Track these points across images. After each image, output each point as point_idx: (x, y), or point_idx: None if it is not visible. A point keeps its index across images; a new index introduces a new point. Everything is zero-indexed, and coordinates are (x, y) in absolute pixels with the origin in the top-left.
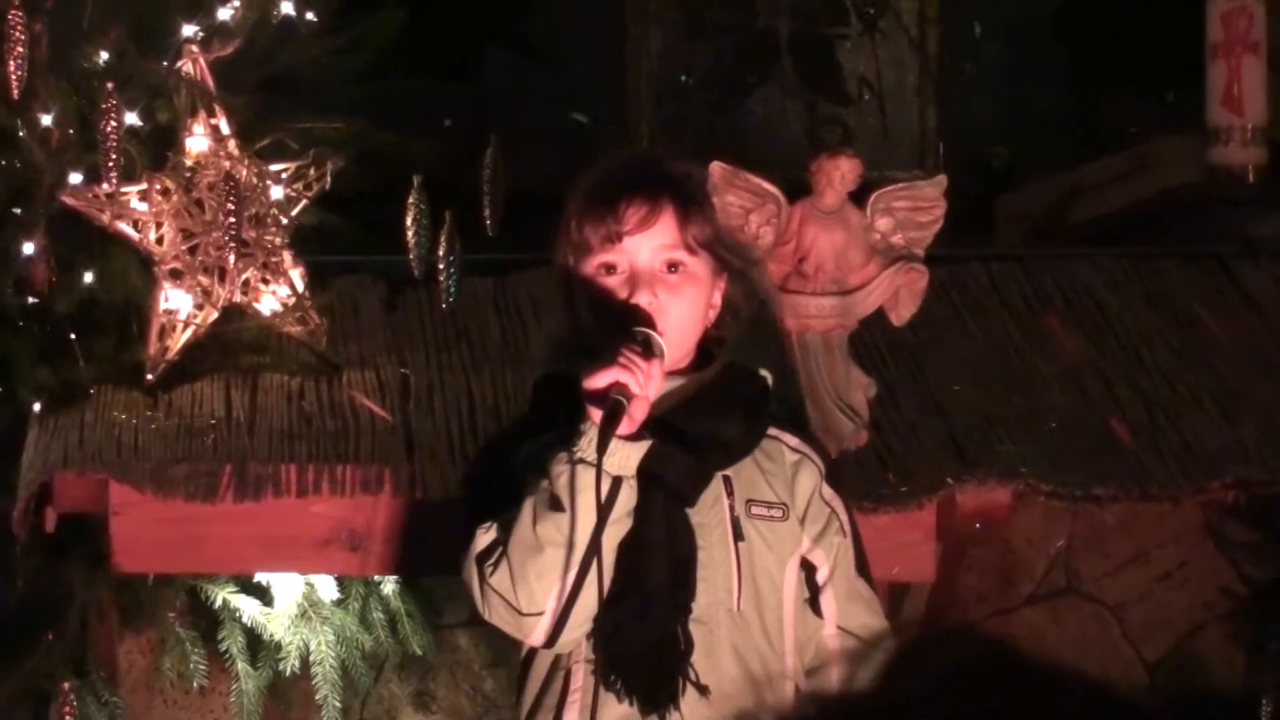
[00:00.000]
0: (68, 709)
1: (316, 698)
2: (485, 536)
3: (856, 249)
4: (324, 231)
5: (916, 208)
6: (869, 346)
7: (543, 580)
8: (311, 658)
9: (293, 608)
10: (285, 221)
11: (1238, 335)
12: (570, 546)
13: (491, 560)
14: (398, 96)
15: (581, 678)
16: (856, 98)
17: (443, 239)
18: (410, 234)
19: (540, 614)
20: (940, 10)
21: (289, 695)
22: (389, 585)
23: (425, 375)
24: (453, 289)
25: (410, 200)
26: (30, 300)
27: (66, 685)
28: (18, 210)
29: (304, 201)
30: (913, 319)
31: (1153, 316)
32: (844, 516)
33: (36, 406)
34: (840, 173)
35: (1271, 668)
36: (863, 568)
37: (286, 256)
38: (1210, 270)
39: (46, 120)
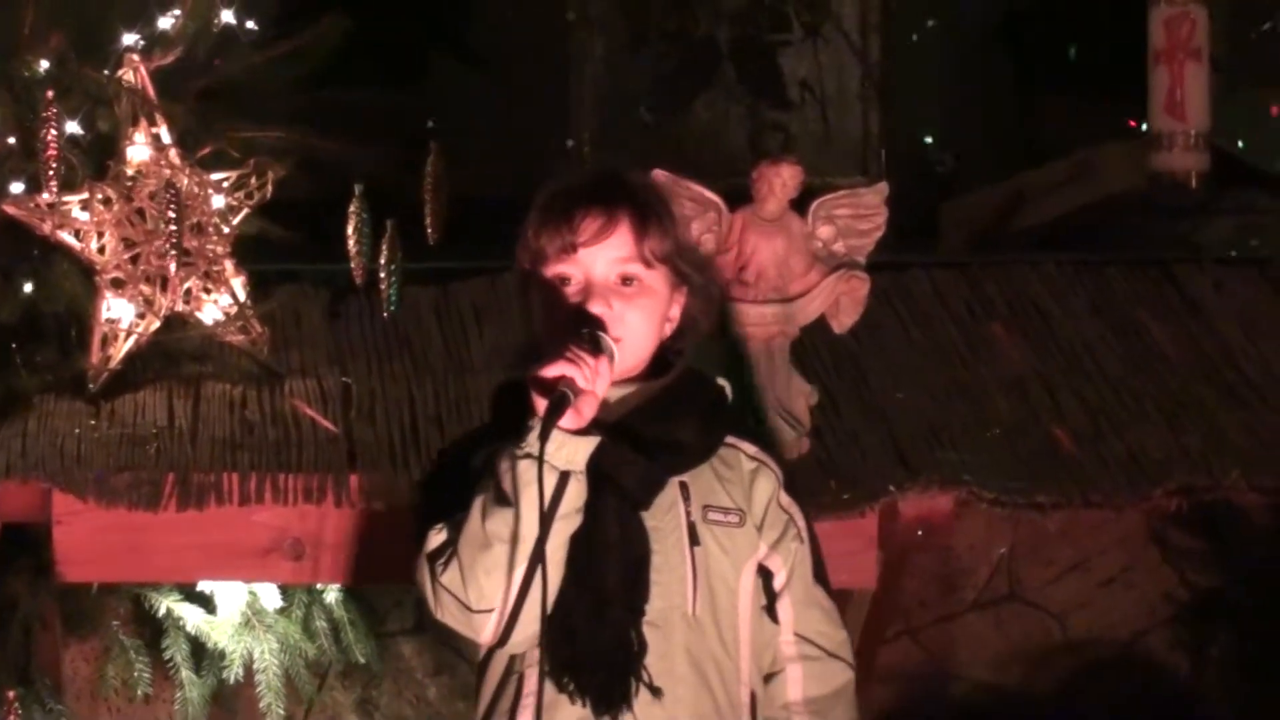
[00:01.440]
0: (12, 717)
1: (260, 705)
2: (437, 537)
3: (798, 256)
4: (266, 240)
5: (858, 215)
6: (811, 354)
7: (492, 576)
8: (255, 665)
9: (236, 616)
10: (227, 230)
11: (1181, 341)
12: (517, 540)
13: (443, 559)
14: (339, 105)
15: (535, 680)
16: (799, 103)
17: (384, 247)
18: (352, 242)
19: (490, 610)
20: (882, 17)
21: (233, 703)
22: (332, 594)
23: (367, 384)
24: (394, 297)
25: (351, 209)
26: None
27: (11, 694)
28: None
29: (245, 210)
30: (855, 326)
31: (1096, 323)
32: (801, 524)
33: None
34: (781, 180)
35: (1215, 674)
36: (820, 575)
37: (228, 265)
38: (1153, 276)
39: None
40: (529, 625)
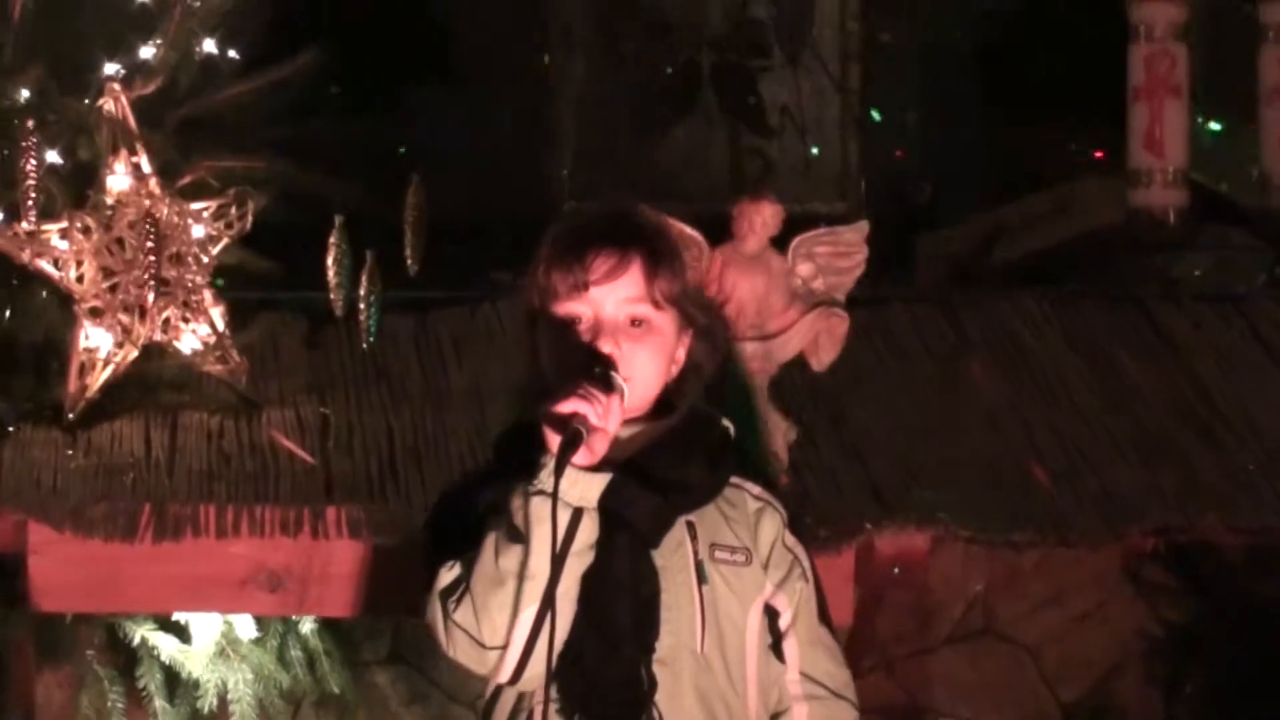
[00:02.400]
0: None
1: None
2: (449, 574)
3: (777, 294)
4: (245, 270)
5: (838, 253)
6: (789, 391)
7: (505, 612)
8: (229, 695)
9: (211, 646)
10: (206, 260)
11: (1157, 379)
12: (531, 578)
13: (455, 596)
14: (320, 135)
15: (544, 717)
16: (779, 130)
17: (364, 278)
18: (331, 273)
19: (504, 647)
20: (861, 46)
21: None
22: (307, 624)
23: (345, 414)
24: (373, 327)
25: (331, 239)
26: None
27: None
28: None
29: (225, 240)
30: (833, 363)
31: (1073, 359)
32: (806, 564)
33: None
34: (762, 218)
35: (1187, 710)
36: (824, 615)
37: (207, 295)
38: (1131, 312)
39: None
40: (541, 662)
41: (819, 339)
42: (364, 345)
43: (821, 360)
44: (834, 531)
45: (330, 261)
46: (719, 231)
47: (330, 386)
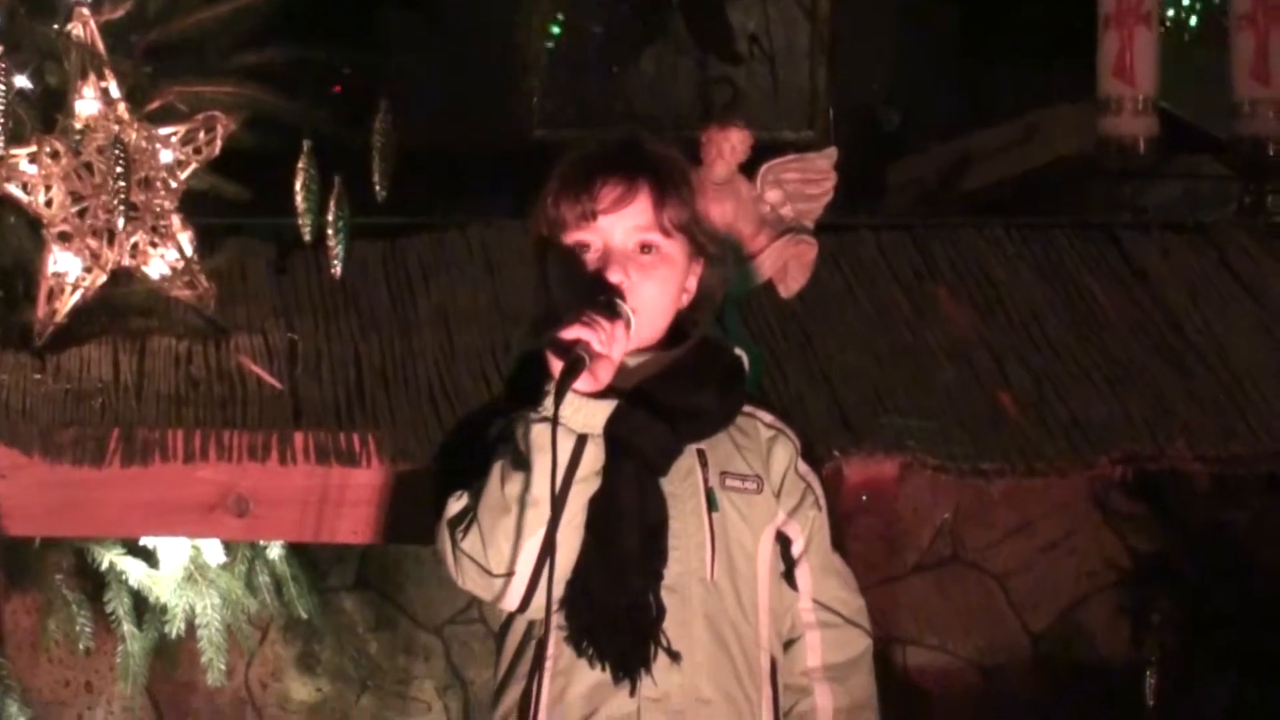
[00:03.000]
0: None
1: (202, 660)
2: (457, 504)
3: (745, 220)
4: (214, 195)
5: (806, 180)
6: (757, 318)
7: (510, 540)
8: (197, 620)
9: (179, 571)
10: (175, 185)
11: (1127, 308)
12: (535, 504)
13: (463, 525)
14: (288, 60)
15: (553, 645)
16: (747, 57)
17: (332, 203)
18: (299, 198)
19: (511, 575)
20: None
21: (174, 656)
22: (275, 549)
23: (313, 340)
24: (341, 253)
25: (300, 164)
26: None
27: None
28: None
29: (194, 165)
30: (802, 290)
31: (1043, 288)
32: (819, 491)
33: None
34: (730, 144)
35: (1155, 639)
36: (838, 542)
37: (175, 220)
38: (1100, 241)
39: None
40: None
41: (788, 266)
42: (332, 271)
43: (790, 287)
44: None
45: (298, 187)
46: (687, 159)
47: (298, 312)
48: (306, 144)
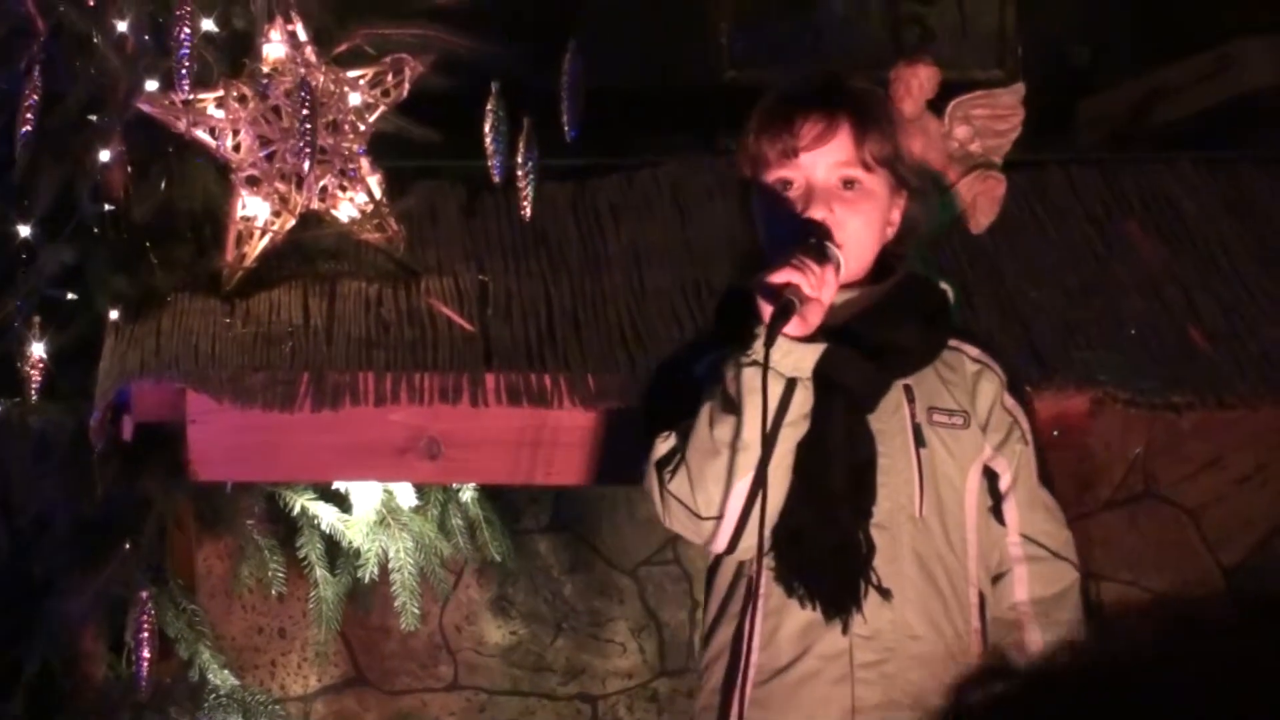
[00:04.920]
0: (145, 617)
1: (395, 604)
2: (664, 444)
3: (934, 156)
4: (403, 138)
5: (995, 115)
6: (948, 253)
7: (720, 483)
8: (390, 564)
9: (371, 515)
10: (363, 128)
11: None
12: (745, 448)
13: (671, 466)
14: (476, 1)
15: (764, 584)
16: None
17: (521, 145)
18: (489, 140)
19: (719, 517)
20: None
21: (368, 601)
22: (467, 492)
23: (503, 282)
24: (531, 195)
25: (489, 106)
26: (107, 208)
27: (144, 593)
28: (94, 118)
29: (382, 108)
30: (991, 225)
31: (1231, 222)
32: (1026, 425)
33: (114, 315)
34: (919, 81)
35: None
36: (1045, 476)
37: (364, 163)
38: None
39: (122, 27)
40: (757, 531)
41: (976, 201)
42: (522, 212)
43: (979, 222)
44: None
45: (487, 129)
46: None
47: (488, 254)
48: (495, 85)
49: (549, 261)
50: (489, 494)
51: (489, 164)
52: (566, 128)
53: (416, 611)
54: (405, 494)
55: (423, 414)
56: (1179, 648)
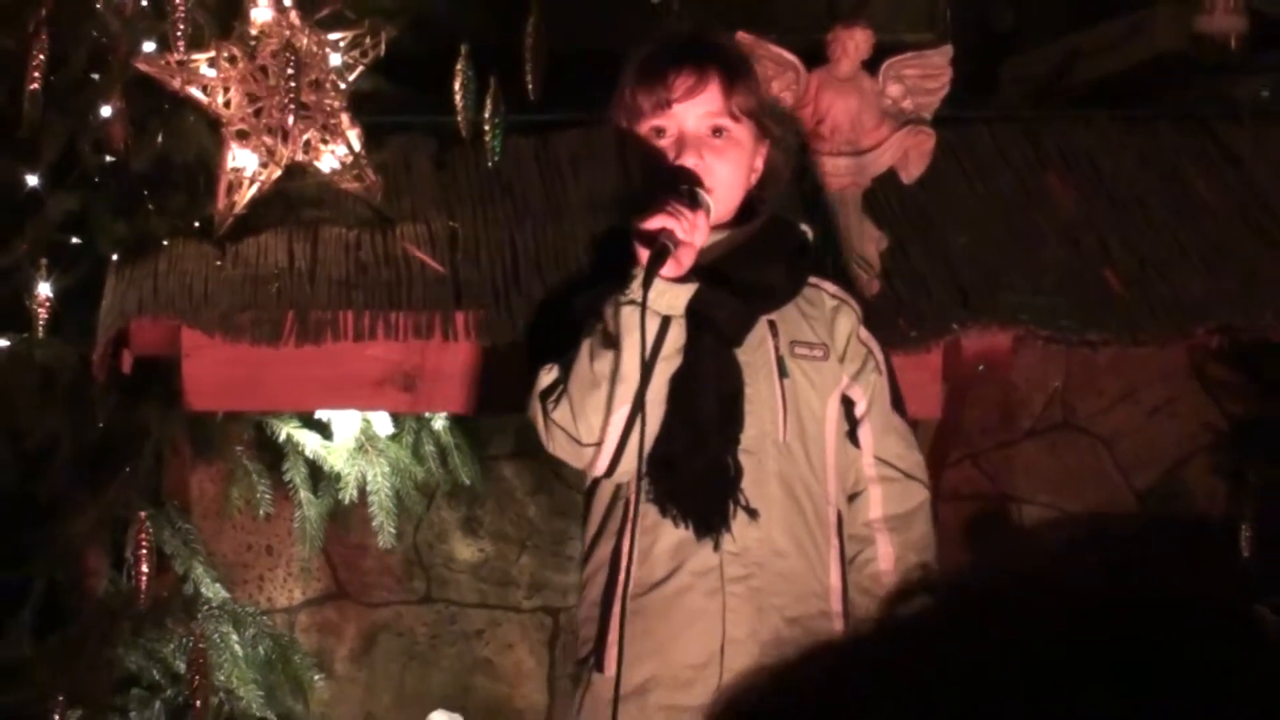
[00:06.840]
0: (143, 536)
1: (373, 524)
2: (548, 376)
3: (869, 113)
4: (379, 95)
5: (925, 75)
6: (881, 203)
7: (600, 413)
8: (368, 487)
9: (351, 442)
10: (343, 86)
11: (1222, 193)
12: (623, 381)
13: (554, 397)
14: None
15: (640, 505)
16: None
17: (488, 102)
18: (458, 97)
19: (599, 444)
20: None
21: (348, 521)
22: (439, 421)
23: (472, 228)
24: (497, 148)
25: (458, 66)
26: (108, 159)
27: (143, 514)
28: (96, 76)
29: (360, 68)
30: (921, 177)
31: (1144, 175)
32: (879, 356)
33: (114, 257)
34: (854, 43)
35: (1251, 498)
36: (897, 403)
37: (344, 118)
38: (1197, 132)
39: None
40: (633, 458)
41: (908, 154)
42: (489, 164)
43: (910, 174)
44: (923, 332)
45: (457, 87)
46: (815, 58)
47: (458, 202)
48: (464, 47)
49: (514, 209)
50: (459, 422)
51: (458, 119)
52: (530, 86)
53: (393, 531)
54: (382, 423)
55: (398, 349)
56: (1086, 551)
